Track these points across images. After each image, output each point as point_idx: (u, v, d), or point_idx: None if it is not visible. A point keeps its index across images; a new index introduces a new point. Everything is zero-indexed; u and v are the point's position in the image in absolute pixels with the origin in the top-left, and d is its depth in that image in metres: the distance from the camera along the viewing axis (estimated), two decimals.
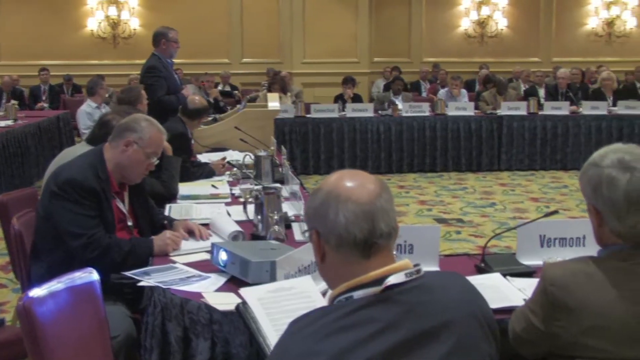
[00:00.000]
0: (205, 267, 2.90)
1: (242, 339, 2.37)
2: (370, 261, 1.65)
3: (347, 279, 1.65)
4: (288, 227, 3.44)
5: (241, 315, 2.14)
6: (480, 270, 2.87)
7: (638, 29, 15.84)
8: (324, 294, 2.24)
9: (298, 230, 3.39)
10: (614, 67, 13.36)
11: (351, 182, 1.70)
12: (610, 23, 15.78)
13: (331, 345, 1.51)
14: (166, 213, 3.84)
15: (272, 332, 2.05)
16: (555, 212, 3.19)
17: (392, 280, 1.61)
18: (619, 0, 15.67)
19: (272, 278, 2.54)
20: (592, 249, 2.09)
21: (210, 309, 2.45)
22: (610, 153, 1.97)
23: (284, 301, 2.21)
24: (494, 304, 2.29)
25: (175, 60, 7.16)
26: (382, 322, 1.55)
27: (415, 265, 1.68)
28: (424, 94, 13.50)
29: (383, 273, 1.63)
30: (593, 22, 15.88)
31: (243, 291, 2.28)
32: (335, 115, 9.99)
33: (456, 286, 1.74)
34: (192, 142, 6.13)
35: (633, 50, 15.69)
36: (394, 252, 1.75)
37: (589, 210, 2.02)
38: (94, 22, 14.24)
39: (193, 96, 5.99)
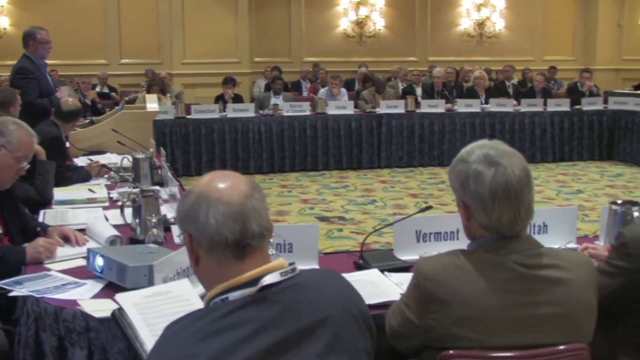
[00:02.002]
0: (82, 273, 2.82)
1: (120, 345, 2.32)
2: (244, 262, 1.65)
3: (222, 280, 1.64)
4: (167, 229, 3.40)
5: (117, 322, 2.10)
6: (359, 267, 2.93)
7: (506, 30, 16.52)
8: (202, 296, 2.21)
9: (177, 233, 3.35)
10: (485, 66, 13.92)
11: (222, 183, 1.69)
12: (481, 24, 16.37)
13: (208, 347, 1.51)
14: (41, 219, 3.71)
15: (149, 337, 2.03)
16: (429, 207, 3.27)
17: (267, 280, 1.61)
18: (488, 3, 16.30)
19: (150, 282, 2.50)
20: (465, 242, 2.16)
21: (86, 316, 2.38)
22: (476, 149, 2.05)
23: (161, 305, 2.18)
24: (372, 300, 2.34)
25: (49, 61, 6.92)
26: (258, 322, 1.56)
27: (291, 264, 1.70)
28: (305, 94, 13.60)
29: (258, 273, 1.63)
30: (465, 23, 16.41)
31: (119, 297, 2.24)
32: (216, 115, 9.94)
33: (331, 283, 1.76)
34: (68, 145, 5.96)
35: (502, 50, 16.35)
36: (272, 252, 1.75)
37: (458, 205, 2.09)
38: None
39: (67, 98, 5.81)
